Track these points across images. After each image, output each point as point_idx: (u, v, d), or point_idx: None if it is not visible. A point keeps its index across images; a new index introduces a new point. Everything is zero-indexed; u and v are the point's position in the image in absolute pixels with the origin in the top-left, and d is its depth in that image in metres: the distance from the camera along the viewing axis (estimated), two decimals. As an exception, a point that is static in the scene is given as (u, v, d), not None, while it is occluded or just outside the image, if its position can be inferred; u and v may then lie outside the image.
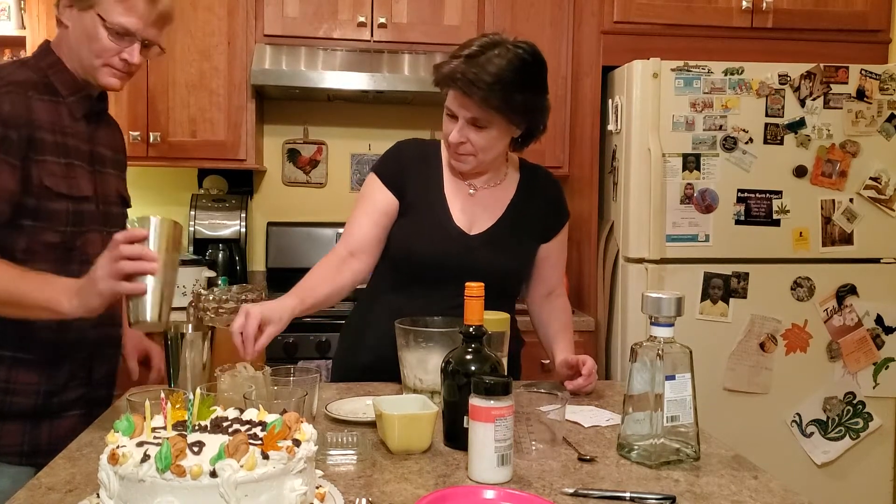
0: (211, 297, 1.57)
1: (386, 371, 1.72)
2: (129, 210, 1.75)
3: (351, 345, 1.90)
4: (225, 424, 0.99)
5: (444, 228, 1.75)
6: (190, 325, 1.55)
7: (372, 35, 3.05)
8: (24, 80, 1.53)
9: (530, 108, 1.68)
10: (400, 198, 1.77)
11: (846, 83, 2.74)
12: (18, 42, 3.05)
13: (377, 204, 1.77)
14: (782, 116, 2.73)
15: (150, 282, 1.31)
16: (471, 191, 1.79)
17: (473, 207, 1.78)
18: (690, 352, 1.28)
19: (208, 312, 1.55)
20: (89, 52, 1.54)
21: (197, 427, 0.99)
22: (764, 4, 2.92)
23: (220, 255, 3.20)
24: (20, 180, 1.47)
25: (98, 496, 0.94)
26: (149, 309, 1.31)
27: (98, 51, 1.53)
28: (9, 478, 1.50)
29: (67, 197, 1.53)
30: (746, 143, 2.71)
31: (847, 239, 2.78)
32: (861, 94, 2.75)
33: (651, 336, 1.28)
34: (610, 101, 2.93)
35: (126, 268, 1.30)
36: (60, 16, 1.57)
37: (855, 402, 2.80)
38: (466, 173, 1.78)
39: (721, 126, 2.70)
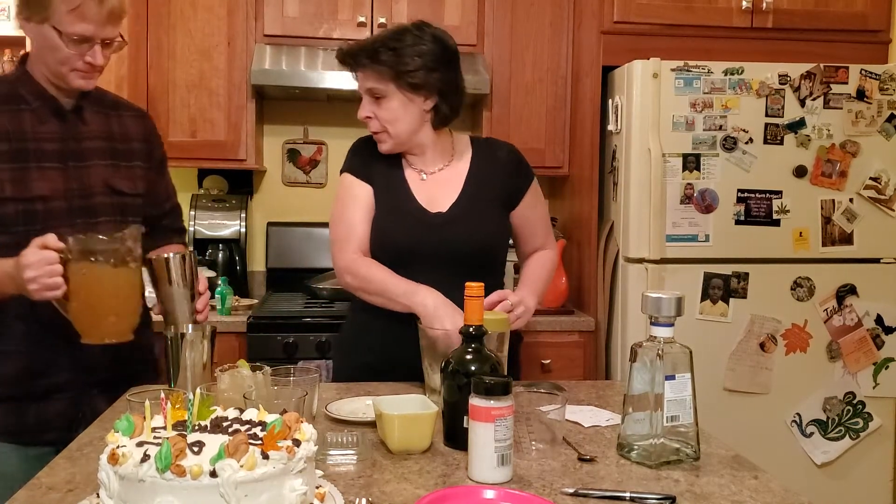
0: (80, 242, 1.53)
1: (385, 370, 1.75)
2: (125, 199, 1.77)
3: (348, 343, 1.91)
4: (225, 424, 0.99)
5: (409, 211, 1.80)
6: (190, 326, 1.55)
7: (372, 35, 3.05)
8: None
9: (417, 72, 1.73)
10: (373, 187, 1.83)
11: (846, 83, 2.74)
12: (18, 42, 3.04)
13: (363, 200, 1.83)
14: (782, 116, 2.73)
15: (184, 308, 1.62)
16: (423, 177, 1.84)
17: (431, 190, 1.83)
18: (690, 352, 1.28)
19: (72, 260, 1.51)
20: (54, 61, 1.62)
21: (197, 427, 0.98)
22: (764, 4, 2.92)
23: (220, 256, 3.19)
24: None
25: (98, 496, 0.94)
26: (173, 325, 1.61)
27: (62, 59, 1.61)
28: None
29: (13, 199, 1.62)
30: (746, 143, 2.71)
31: (847, 239, 2.78)
32: (861, 95, 2.75)
33: (651, 336, 1.27)
34: (610, 101, 2.93)
35: (47, 284, 1.48)
36: (23, 30, 1.66)
37: (855, 402, 2.80)
38: (388, 152, 1.82)
39: (721, 126, 2.70)
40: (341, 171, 1.89)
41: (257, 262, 3.40)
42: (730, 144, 2.71)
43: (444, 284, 1.68)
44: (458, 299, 1.57)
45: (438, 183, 1.84)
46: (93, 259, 1.50)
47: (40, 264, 1.47)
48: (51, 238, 1.50)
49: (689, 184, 2.70)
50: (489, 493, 1.09)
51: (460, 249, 1.77)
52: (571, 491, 1.14)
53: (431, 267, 1.74)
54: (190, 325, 1.55)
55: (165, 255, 1.62)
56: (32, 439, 1.67)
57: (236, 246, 3.23)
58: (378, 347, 1.81)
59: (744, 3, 2.92)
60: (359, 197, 1.82)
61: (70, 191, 1.68)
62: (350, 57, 1.77)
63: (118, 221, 1.72)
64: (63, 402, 1.70)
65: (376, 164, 1.85)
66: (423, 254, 1.76)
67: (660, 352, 1.25)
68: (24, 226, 1.61)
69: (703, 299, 2.72)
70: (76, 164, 1.70)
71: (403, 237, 1.78)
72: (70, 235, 1.51)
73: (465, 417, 1.20)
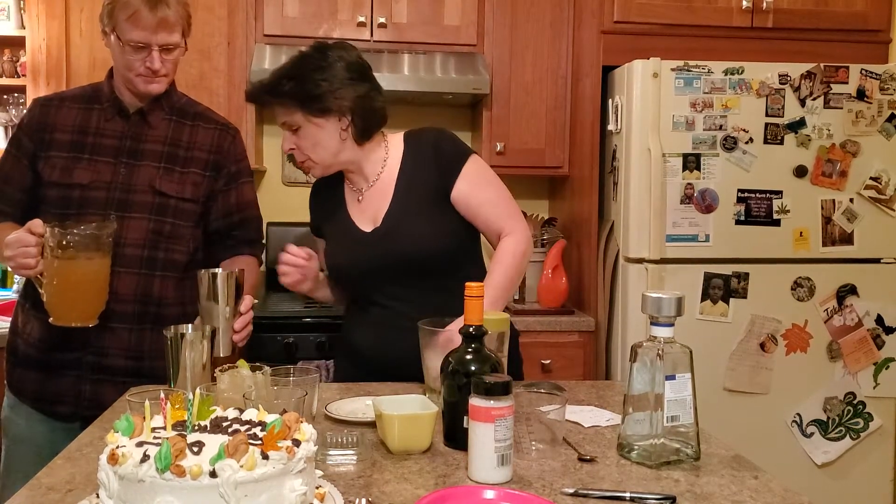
0: (55, 233, 1.60)
1: (385, 369, 1.76)
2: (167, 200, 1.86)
3: (347, 343, 1.93)
4: (225, 424, 0.99)
5: (347, 235, 1.82)
6: (190, 326, 1.55)
7: (372, 35, 3.05)
8: (74, 94, 1.91)
9: (322, 97, 1.69)
10: (320, 233, 1.94)
11: (846, 83, 2.74)
12: (18, 42, 3.05)
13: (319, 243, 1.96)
14: (782, 116, 2.73)
15: (220, 325, 1.63)
16: (359, 198, 1.84)
17: (369, 206, 1.82)
18: (690, 352, 1.28)
19: (48, 247, 1.61)
20: (122, 66, 1.81)
21: (197, 427, 0.98)
22: (764, 4, 2.92)
23: (220, 256, 3.19)
24: (32, 174, 1.83)
25: (98, 496, 0.94)
26: (222, 347, 1.65)
27: (127, 65, 1.79)
28: (23, 416, 1.85)
29: (57, 184, 1.80)
30: (746, 142, 2.71)
31: (847, 239, 2.78)
32: (861, 94, 2.75)
33: (651, 336, 1.27)
34: (610, 101, 2.93)
35: (21, 264, 1.63)
36: (106, 45, 1.84)
37: (855, 402, 2.80)
38: (321, 176, 1.86)
39: (721, 126, 2.70)
40: None
41: (257, 263, 3.40)
42: (730, 144, 2.71)
43: (405, 297, 1.72)
44: (430, 309, 1.60)
45: (376, 196, 1.80)
46: (66, 249, 1.60)
47: (17, 245, 1.62)
48: (35, 223, 1.62)
49: (689, 184, 2.70)
50: (489, 493, 1.09)
51: (401, 261, 1.74)
52: (571, 491, 1.14)
53: (384, 284, 1.77)
54: (189, 326, 1.55)
55: (213, 271, 1.64)
56: (50, 409, 1.83)
57: (236, 246, 3.22)
58: (377, 347, 1.81)
59: (744, 3, 2.92)
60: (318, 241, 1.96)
61: (113, 184, 1.81)
62: (253, 97, 1.80)
63: (155, 219, 1.83)
64: (72, 378, 1.81)
65: (323, 204, 1.90)
66: (370, 272, 1.77)
67: (660, 352, 1.25)
68: (61, 209, 1.77)
69: (703, 299, 2.72)
70: (129, 160, 1.84)
71: (345, 262, 1.81)
72: (51, 225, 1.60)
73: (465, 417, 1.20)
